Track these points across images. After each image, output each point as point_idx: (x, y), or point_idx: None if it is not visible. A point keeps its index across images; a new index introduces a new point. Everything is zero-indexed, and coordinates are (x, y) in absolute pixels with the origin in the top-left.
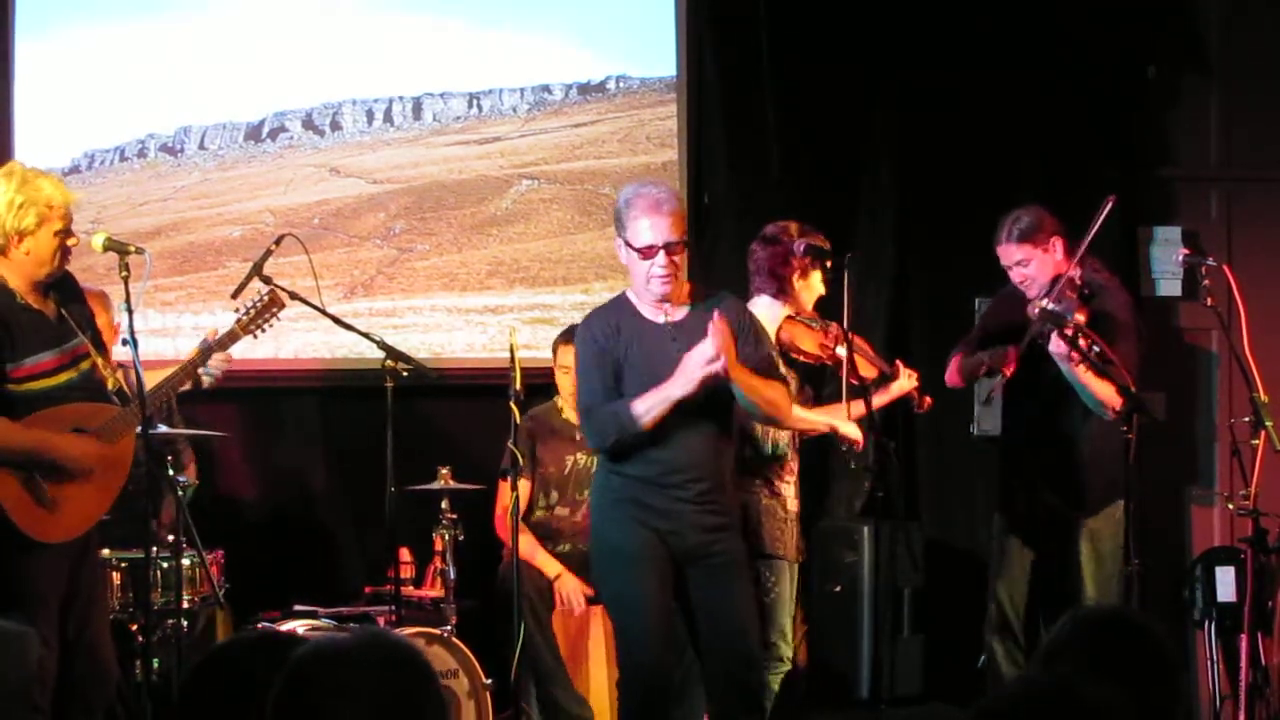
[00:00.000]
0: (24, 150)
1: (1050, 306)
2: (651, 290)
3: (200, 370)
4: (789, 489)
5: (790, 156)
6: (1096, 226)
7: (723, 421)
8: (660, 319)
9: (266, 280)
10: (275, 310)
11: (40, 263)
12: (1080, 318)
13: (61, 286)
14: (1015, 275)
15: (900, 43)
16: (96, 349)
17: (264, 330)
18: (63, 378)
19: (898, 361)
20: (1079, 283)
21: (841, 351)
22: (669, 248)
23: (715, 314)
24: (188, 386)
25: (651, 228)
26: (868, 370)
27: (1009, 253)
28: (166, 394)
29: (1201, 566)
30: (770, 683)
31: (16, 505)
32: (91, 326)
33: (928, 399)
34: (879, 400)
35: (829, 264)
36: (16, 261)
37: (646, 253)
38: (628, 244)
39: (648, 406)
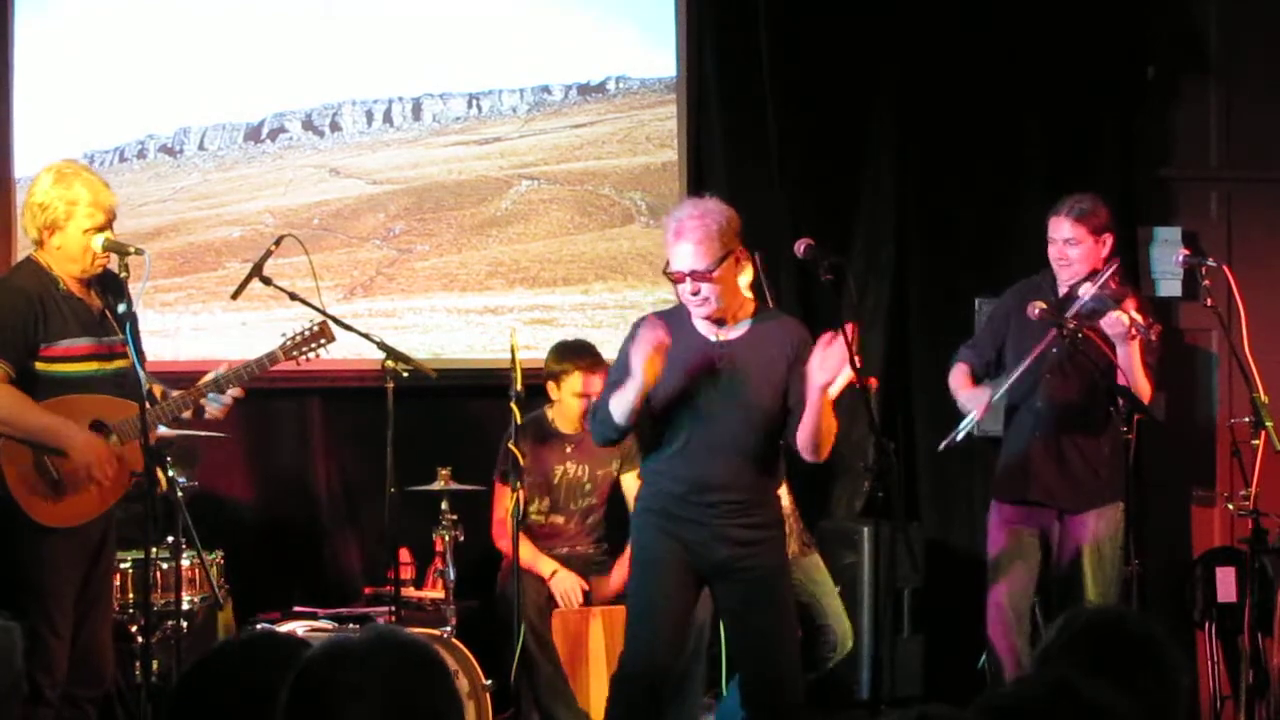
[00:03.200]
0: (24, 151)
1: (1079, 301)
2: (695, 313)
3: (205, 399)
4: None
5: (790, 156)
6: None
7: (767, 436)
8: (712, 336)
9: (266, 281)
10: (323, 341)
11: (70, 258)
12: (1132, 303)
13: (107, 286)
14: (1056, 252)
15: (900, 43)
16: (138, 354)
17: (307, 359)
18: (92, 366)
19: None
20: (1120, 278)
21: None
22: (694, 275)
23: (839, 337)
24: (188, 414)
25: (676, 255)
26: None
27: (1061, 227)
28: (179, 409)
29: (1201, 566)
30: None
31: (21, 484)
32: (134, 330)
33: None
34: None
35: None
36: (53, 255)
37: (674, 278)
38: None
39: (619, 401)
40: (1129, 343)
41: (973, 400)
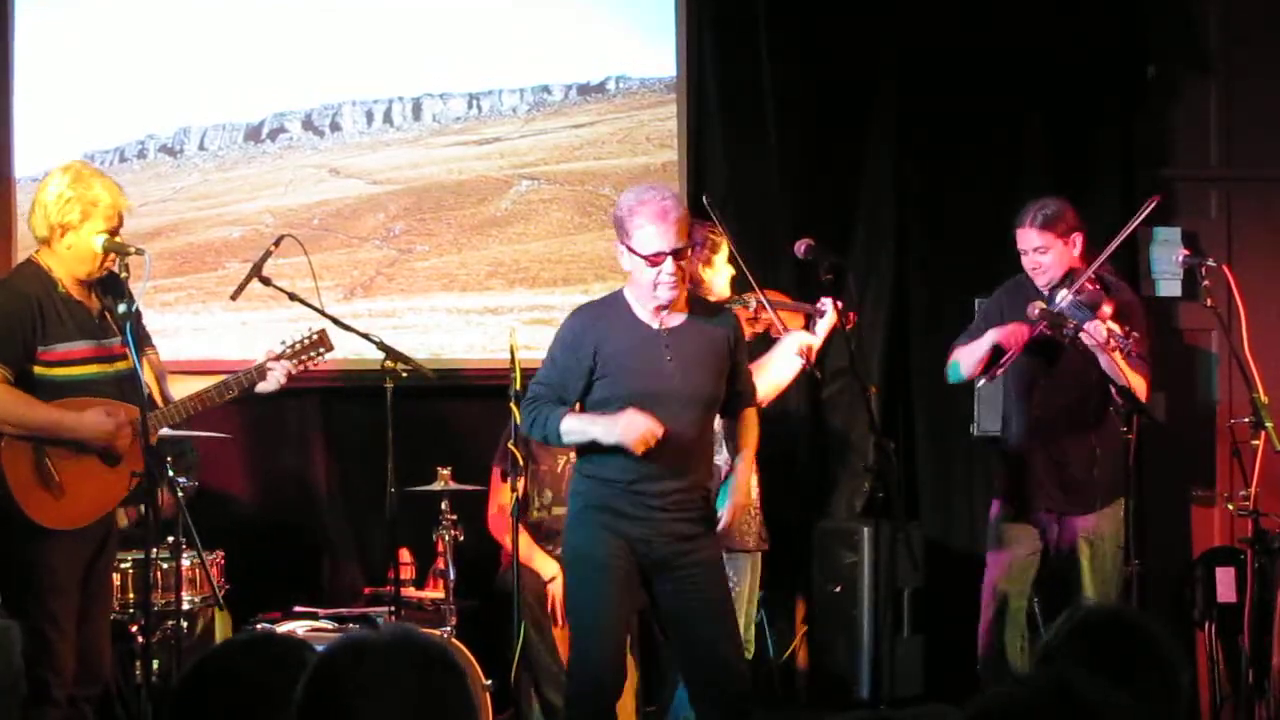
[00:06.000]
0: (24, 151)
1: (1057, 307)
2: (658, 296)
3: (270, 368)
4: None
5: (790, 157)
6: (1134, 225)
7: (708, 420)
8: (655, 324)
9: (266, 281)
10: (322, 350)
11: (80, 259)
12: (1108, 309)
13: (109, 287)
14: (1029, 261)
15: (900, 44)
16: (139, 354)
17: (305, 368)
18: (93, 369)
19: (820, 299)
20: (1096, 280)
21: (767, 317)
22: (676, 254)
23: (724, 513)
24: (233, 395)
25: (659, 235)
26: (795, 320)
27: (1028, 237)
28: (195, 407)
29: (1201, 566)
30: None
31: (22, 486)
32: (136, 331)
33: (852, 314)
34: (816, 341)
35: (827, 273)
36: (60, 255)
37: (654, 260)
38: (631, 250)
39: (571, 431)
40: (1109, 353)
41: (1011, 333)
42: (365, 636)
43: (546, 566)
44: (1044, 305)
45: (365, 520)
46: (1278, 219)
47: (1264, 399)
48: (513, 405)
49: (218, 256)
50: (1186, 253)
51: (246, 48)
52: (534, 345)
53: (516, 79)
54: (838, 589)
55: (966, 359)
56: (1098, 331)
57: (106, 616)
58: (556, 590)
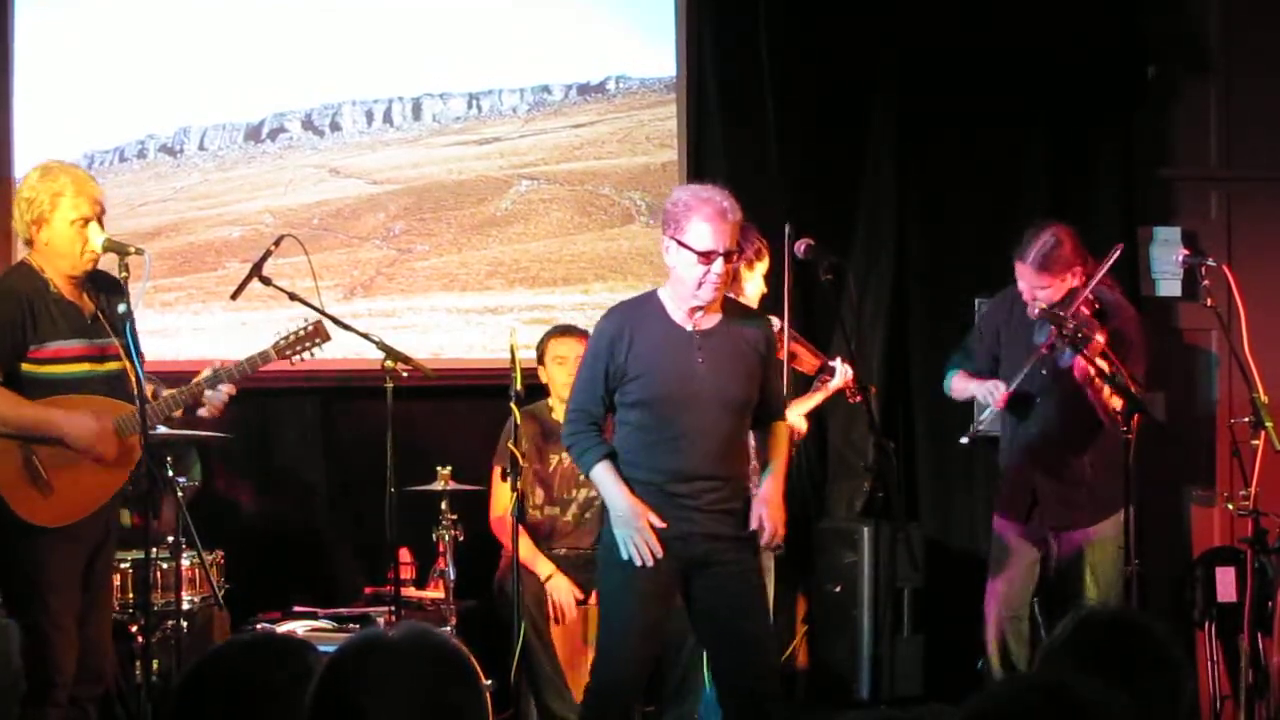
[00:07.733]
0: (24, 151)
1: (1058, 312)
2: (700, 295)
3: (205, 394)
4: None
5: (790, 156)
6: (1103, 272)
7: (741, 423)
8: (688, 326)
9: (266, 281)
10: (318, 341)
11: (59, 253)
12: (1100, 339)
13: (103, 287)
14: (1026, 294)
15: (900, 44)
16: (131, 355)
17: (301, 359)
18: (84, 367)
19: (838, 356)
20: (1093, 301)
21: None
22: (728, 255)
23: (764, 510)
24: (178, 413)
25: (715, 234)
26: (810, 362)
27: (1028, 276)
28: (171, 408)
29: (1201, 566)
30: None
31: (9, 484)
32: (130, 331)
33: (873, 388)
34: (819, 396)
35: (827, 274)
36: (44, 253)
37: (707, 257)
38: (682, 245)
39: (600, 481)
40: (1090, 387)
41: (989, 392)
42: (378, 635)
43: (543, 566)
44: (1044, 306)
45: (365, 520)
46: (1278, 219)
47: (1264, 399)
48: (513, 405)
49: (218, 256)
50: (1186, 253)
51: (246, 48)
52: (533, 345)
53: (516, 79)
54: (838, 589)
55: (955, 391)
56: (1084, 368)
57: (107, 616)
58: (553, 590)
